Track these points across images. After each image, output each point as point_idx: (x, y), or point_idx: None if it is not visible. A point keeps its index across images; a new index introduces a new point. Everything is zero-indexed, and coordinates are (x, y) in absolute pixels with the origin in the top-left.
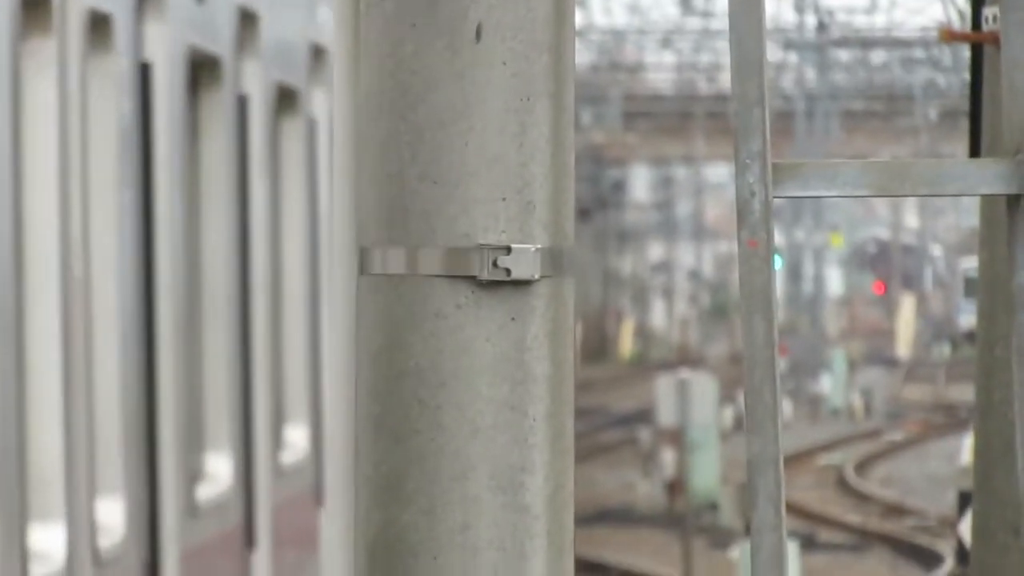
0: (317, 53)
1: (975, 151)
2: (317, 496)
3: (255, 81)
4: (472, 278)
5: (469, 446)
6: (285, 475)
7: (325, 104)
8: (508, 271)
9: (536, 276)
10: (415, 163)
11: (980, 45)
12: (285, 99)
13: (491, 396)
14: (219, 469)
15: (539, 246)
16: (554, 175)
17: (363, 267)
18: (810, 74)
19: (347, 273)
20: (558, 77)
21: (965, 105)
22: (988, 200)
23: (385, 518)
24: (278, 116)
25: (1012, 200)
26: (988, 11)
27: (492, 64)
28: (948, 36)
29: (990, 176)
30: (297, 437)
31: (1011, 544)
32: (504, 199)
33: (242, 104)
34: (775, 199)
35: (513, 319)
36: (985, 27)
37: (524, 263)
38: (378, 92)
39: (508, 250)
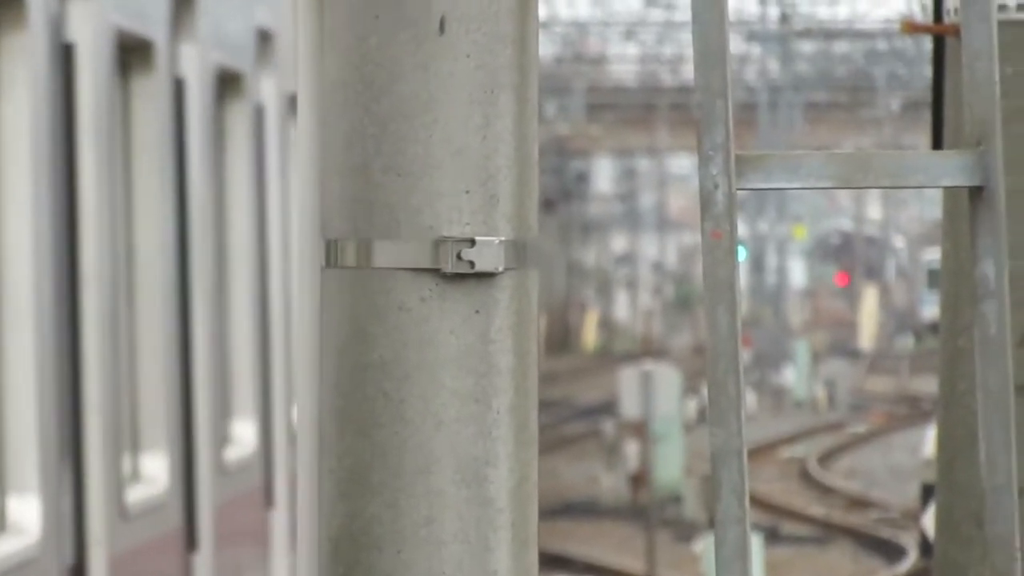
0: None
1: (937, 143)
2: (266, 497)
3: (86, 28)
4: (436, 271)
5: (433, 439)
6: (134, 518)
7: (193, 58)
8: (472, 264)
9: (500, 269)
10: (379, 155)
11: (942, 37)
12: (136, 53)
13: (455, 389)
14: (25, 517)
15: (503, 239)
16: (518, 167)
17: (327, 260)
18: (773, 66)
19: (311, 266)
20: (522, 69)
21: (928, 96)
22: (951, 192)
23: (349, 511)
24: (127, 75)
25: (974, 192)
26: (950, 3)
27: (456, 56)
28: (910, 28)
29: (952, 168)
30: (154, 467)
31: (975, 535)
32: (468, 192)
33: (68, 55)
34: (739, 191)
35: (477, 312)
36: (947, 19)
37: (488, 256)
38: (342, 84)
39: (472, 243)
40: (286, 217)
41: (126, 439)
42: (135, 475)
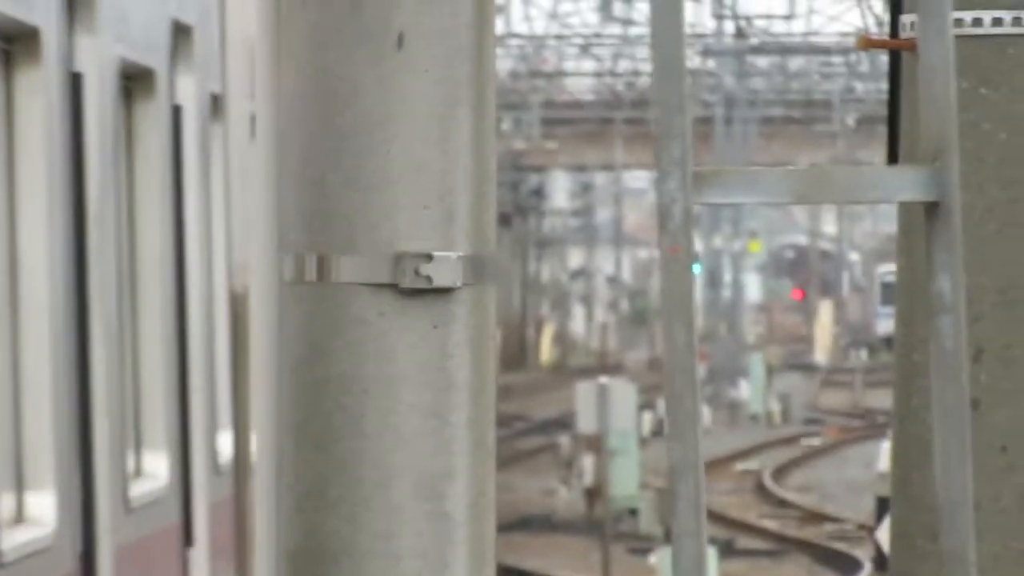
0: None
1: (893, 158)
2: (184, 534)
3: None
4: (394, 286)
5: (391, 454)
6: (11, 564)
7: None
8: (430, 279)
9: (458, 284)
10: (338, 170)
11: (898, 52)
12: (19, 43)
13: (413, 403)
14: None
15: (461, 254)
16: (476, 182)
17: (285, 274)
18: (729, 80)
19: (269, 280)
20: (479, 84)
21: (883, 112)
22: (906, 207)
23: (308, 526)
24: (8, 67)
25: (930, 207)
26: (906, 18)
27: (415, 71)
28: (866, 43)
29: (908, 183)
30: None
31: (930, 550)
32: (426, 206)
33: None
34: (696, 206)
35: (435, 327)
36: (903, 34)
37: (446, 271)
38: (301, 98)
39: (430, 258)
40: (208, 228)
41: (4, 476)
42: (17, 516)
